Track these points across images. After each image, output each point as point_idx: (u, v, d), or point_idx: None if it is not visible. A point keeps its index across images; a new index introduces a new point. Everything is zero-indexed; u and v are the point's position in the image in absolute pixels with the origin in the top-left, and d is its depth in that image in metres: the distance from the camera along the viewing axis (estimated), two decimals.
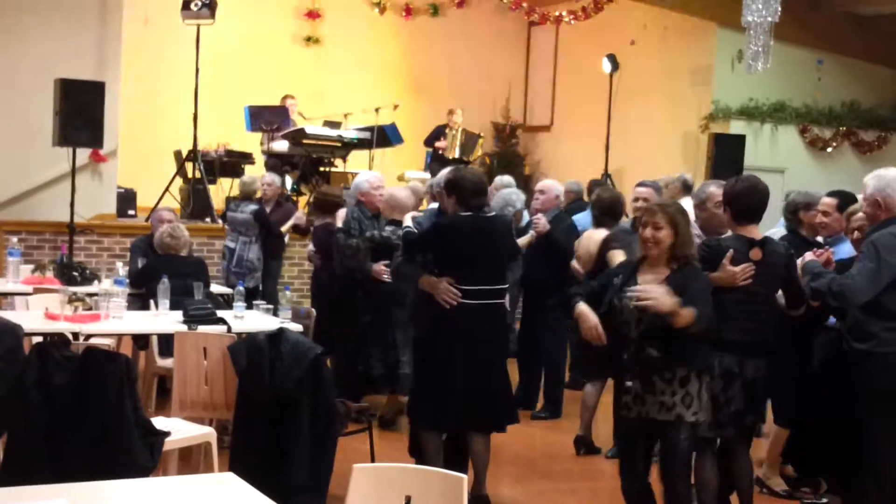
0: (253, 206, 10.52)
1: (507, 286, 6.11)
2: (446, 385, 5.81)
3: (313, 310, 7.67)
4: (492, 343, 5.97)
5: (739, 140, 13.76)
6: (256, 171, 14.14)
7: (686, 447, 4.93)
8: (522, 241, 7.75)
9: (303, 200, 13.19)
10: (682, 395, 4.84)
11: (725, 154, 13.49)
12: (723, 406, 5.22)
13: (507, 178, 9.50)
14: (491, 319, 5.94)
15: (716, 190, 5.82)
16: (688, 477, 5.08)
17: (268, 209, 10.68)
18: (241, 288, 7.16)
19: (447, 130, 15.10)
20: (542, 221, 7.95)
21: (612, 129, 15.02)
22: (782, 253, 5.41)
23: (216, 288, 8.51)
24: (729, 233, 5.46)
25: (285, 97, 14.71)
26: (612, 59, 15.15)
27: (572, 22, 15.88)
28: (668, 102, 15.31)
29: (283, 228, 10.76)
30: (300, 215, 11.13)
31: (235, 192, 14.23)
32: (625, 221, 7.41)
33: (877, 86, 15.52)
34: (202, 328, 6.37)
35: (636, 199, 7.03)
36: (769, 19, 11.09)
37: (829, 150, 15.05)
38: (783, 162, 14.52)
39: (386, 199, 7.56)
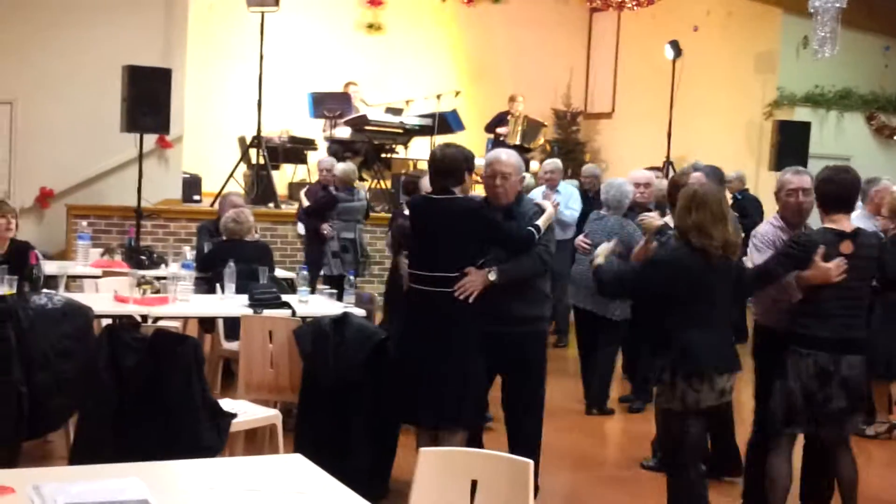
0: (362, 192, 10.39)
1: (454, 275, 5.24)
2: (392, 373, 5.54)
3: (376, 294, 7.71)
4: (428, 331, 5.35)
5: (804, 127, 13.57)
6: (319, 157, 14.26)
7: (674, 428, 5.03)
8: (602, 250, 7.42)
9: (364, 186, 13.25)
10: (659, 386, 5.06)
11: (790, 141, 13.30)
12: (822, 404, 5.07)
13: (555, 162, 9.44)
14: (427, 308, 5.33)
15: (790, 178, 5.48)
16: (695, 463, 5.07)
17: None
18: (351, 277, 7.32)
19: (509, 117, 15.09)
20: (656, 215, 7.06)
21: (674, 116, 14.89)
22: (874, 244, 5.25)
23: (280, 272, 8.60)
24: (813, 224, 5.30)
25: (348, 84, 14.79)
26: (675, 45, 15.00)
27: (635, 8, 15.73)
28: (731, 89, 15.15)
29: None
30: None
31: (297, 178, 14.39)
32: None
33: None
34: (267, 312, 6.45)
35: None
36: (836, 5, 10.95)
37: None
38: (849, 150, 14.29)
39: None
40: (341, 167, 10.38)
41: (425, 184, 6.96)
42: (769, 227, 5.53)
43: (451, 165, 5.40)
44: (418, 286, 5.34)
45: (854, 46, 13.91)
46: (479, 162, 5.97)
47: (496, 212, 5.47)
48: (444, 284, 5.23)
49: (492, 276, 5.25)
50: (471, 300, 5.21)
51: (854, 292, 5.11)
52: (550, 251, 5.50)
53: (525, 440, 5.49)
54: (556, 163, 10.44)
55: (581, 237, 7.85)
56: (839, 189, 5.14)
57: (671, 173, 12.73)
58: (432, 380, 5.25)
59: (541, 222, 5.41)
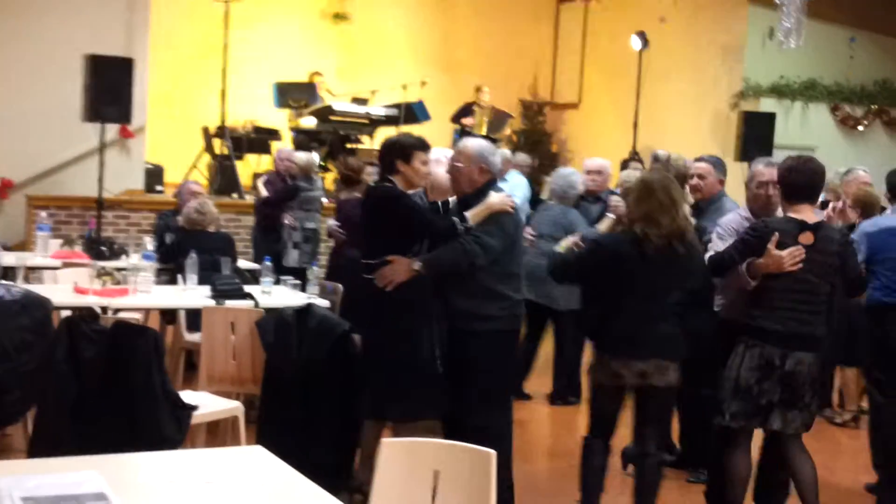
0: (320, 182, 10.16)
1: (376, 262, 5.21)
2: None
3: (340, 286, 7.65)
4: (368, 318, 5.37)
5: (769, 118, 13.60)
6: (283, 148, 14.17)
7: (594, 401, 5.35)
8: (603, 225, 7.48)
9: (329, 177, 13.18)
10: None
11: (755, 132, 13.34)
12: (756, 397, 4.98)
13: (503, 152, 9.41)
14: (366, 295, 5.32)
15: (762, 169, 5.42)
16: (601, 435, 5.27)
17: None
18: (314, 268, 7.24)
19: (475, 108, 15.06)
20: (622, 203, 6.86)
21: (640, 107, 14.91)
22: (836, 239, 5.06)
23: (243, 263, 8.52)
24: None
25: (313, 74, 14.72)
26: (642, 36, 15.02)
27: None
28: (697, 80, 15.19)
29: None
30: None
31: (262, 168, 14.30)
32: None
33: None
34: (230, 303, 6.39)
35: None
36: None
37: (861, 128, 14.89)
38: (814, 140, 14.36)
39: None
40: (303, 157, 10.25)
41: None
42: (735, 216, 5.50)
43: (382, 153, 5.48)
44: (363, 274, 5.31)
45: (819, 37, 13.98)
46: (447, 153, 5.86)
47: (415, 200, 5.40)
48: (369, 271, 5.25)
49: (415, 266, 5.15)
50: (388, 289, 5.11)
51: (810, 286, 4.96)
52: (484, 243, 5.15)
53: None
54: (503, 153, 10.38)
55: (528, 228, 7.79)
56: (803, 179, 5.02)
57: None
58: (373, 369, 5.31)
59: (470, 213, 5.20)
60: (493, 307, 5.24)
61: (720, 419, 5.11)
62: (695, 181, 6.12)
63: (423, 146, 5.40)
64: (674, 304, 5.25)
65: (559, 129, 17.76)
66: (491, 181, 5.36)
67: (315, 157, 10.47)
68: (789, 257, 4.87)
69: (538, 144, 16.72)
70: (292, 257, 9.65)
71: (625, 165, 9.01)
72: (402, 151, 5.35)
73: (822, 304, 5.04)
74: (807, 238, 4.92)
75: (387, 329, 5.25)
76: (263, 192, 10.35)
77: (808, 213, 5.00)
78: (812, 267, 4.93)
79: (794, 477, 5.17)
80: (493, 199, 5.25)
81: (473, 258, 5.17)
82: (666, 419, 5.48)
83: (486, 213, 5.19)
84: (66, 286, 6.75)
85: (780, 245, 4.90)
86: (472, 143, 5.45)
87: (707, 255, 5.28)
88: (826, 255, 4.98)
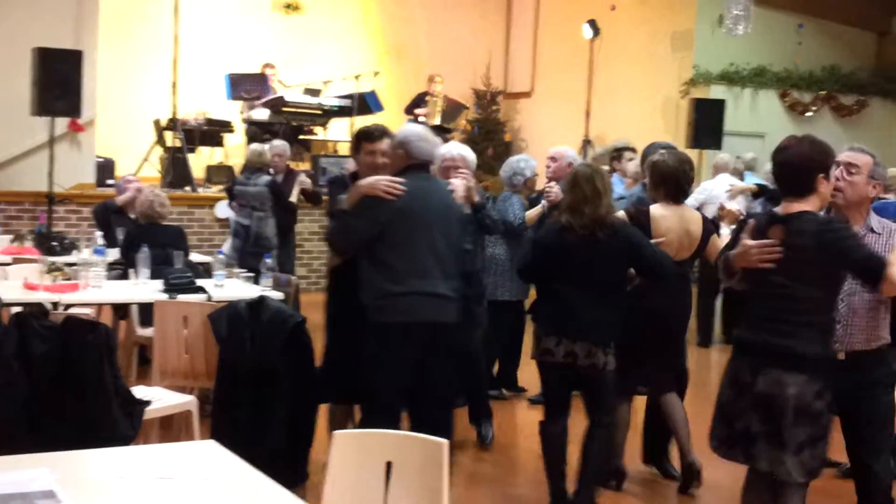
0: (266, 178, 9.63)
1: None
2: None
3: (294, 278, 7.63)
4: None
5: (719, 105, 13.75)
6: (236, 140, 14.13)
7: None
8: (532, 213, 7.33)
9: None
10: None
11: (706, 119, 13.49)
12: (730, 419, 4.27)
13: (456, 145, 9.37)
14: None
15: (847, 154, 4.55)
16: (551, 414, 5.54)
17: (279, 181, 9.86)
18: (267, 260, 7.18)
19: (428, 98, 15.06)
20: (556, 189, 7.03)
21: (592, 95, 15.00)
22: (811, 230, 4.08)
23: (195, 257, 8.49)
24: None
25: (265, 65, 14.65)
26: (593, 24, 15.09)
27: None
28: (648, 68, 15.28)
29: (292, 198, 9.86)
30: (304, 178, 10.22)
31: (214, 161, 14.23)
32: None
33: (856, 50, 15.54)
34: (182, 297, 6.36)
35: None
36: None
37: (809, 114, 15.07)
38: (763, 127, 14.53)
39: None
40: (251, 149, 10.14)
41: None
42: None
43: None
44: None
45: (768, 24, 14.13)
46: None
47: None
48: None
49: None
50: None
51: (786, 290, 4.10)
52: (336, 226, 5.19)
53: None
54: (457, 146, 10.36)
55: None
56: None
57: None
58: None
59: (345, 196, 5.19)
60: (368, 297, 5.03)
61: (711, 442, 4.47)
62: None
63: (367, 136, 5.38)
64: (624, 291, 5.38)
65: (513, 119, 17.80)
66: (414, 166, 5.14)
67: (266, 149, 10.10)
68: (756, 250, 4.12)
69: (492, 134, 16.75)
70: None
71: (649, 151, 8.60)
72: (355, 141, 5.54)
73: (808, 315, 4.12)
74: (775, 233, 4.15)
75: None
76: None
77: (796, 206, 4.15)
78: (783, 266, 4.11)
79: None
80: (364, 181, 5.08)
81: (329, 236, 5.42)
82: (605, 400, 5.45)
83: (356, 196, 5.05)
84: (16, 282, 6.69)
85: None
86: (402, 129, 5.37)
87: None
88: (797, 250, 4.09)
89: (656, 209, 5.74)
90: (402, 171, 5.09)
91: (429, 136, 5.28)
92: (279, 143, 10.39)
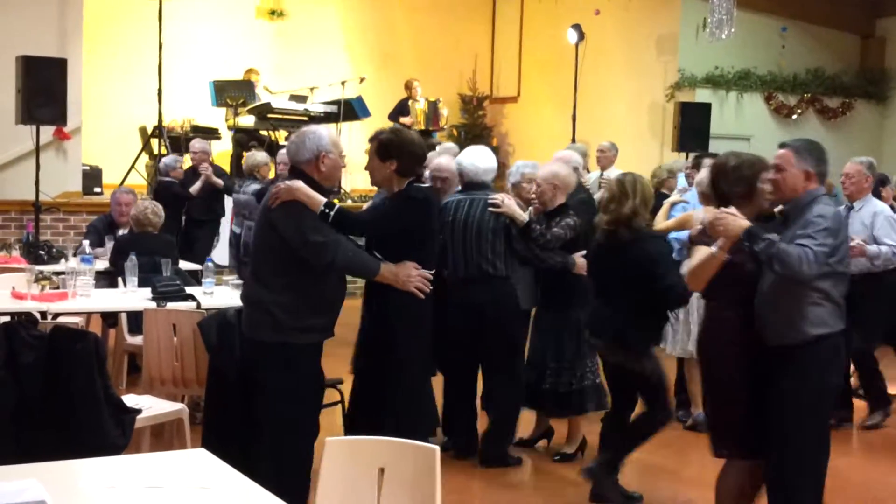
0: (255, 186, 9.40)
1: None
2: None
3: None
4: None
5: (705, 108, 13.80)
6: (222, 146, 14.09)
7: None
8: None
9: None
10: None
11: (691, 123, 13.55)
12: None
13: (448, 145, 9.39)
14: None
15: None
16: None
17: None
18: (209, 263, 7.12)
19: (410, 103, 15.08)
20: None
21: (578, 99, 15.02)
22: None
23: (184, 265, 8.45)
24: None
25: (250, 71, 14.62)
26: (578, 29, 15.12)
27: None
28: (633, 72, 15.32)
29: None
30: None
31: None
32: None
33: (840, 52, 15.60)
34: (171, 305, 6.35)
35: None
36: None
37: (794, 116, 15.12)
38: (749, 130, 14.57)
39: None
40: (247, 156, 10.13)
41: None
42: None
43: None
44: None
45: (752, 28, 14.17)
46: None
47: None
48: None
49: None
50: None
51: None
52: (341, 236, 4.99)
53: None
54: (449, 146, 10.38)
55: None
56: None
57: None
58: None
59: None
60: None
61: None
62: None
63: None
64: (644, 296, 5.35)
65: (499, 123, 17.83)
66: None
67: (264, 157, 10.03)
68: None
69: (478, 139, 16.76)
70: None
71: (696, 164, 8.15)
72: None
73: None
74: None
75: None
76: None
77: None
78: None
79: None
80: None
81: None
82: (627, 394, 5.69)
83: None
84: (4, 292, 6.66)
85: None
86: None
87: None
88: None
89: None
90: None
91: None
92: (284, 153, 10.28)
